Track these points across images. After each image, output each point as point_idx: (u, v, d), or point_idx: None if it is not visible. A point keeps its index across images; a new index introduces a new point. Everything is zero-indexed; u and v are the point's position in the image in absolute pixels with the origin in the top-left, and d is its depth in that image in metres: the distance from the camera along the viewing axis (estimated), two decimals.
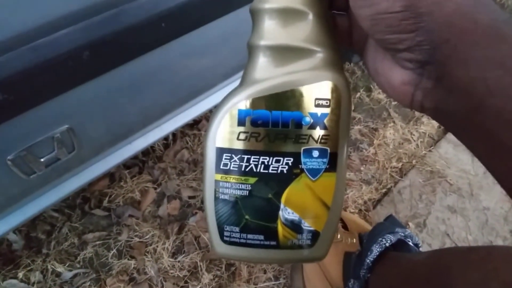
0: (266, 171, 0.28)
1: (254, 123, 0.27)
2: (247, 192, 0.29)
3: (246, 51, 0.29)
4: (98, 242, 0.82)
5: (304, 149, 0.28)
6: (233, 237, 0.30)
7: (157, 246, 0.81)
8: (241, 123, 0.27)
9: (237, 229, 0.29)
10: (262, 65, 0.27)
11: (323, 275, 0.69)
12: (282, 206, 0.29)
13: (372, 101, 1.08)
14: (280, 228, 0.29)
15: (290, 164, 0.28)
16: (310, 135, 0.28)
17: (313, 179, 0.29)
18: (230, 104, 0.27)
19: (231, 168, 0.28)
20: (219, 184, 0.29)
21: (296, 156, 0.28)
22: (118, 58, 0.48)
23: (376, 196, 0.90)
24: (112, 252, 0.80)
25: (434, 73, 0.22)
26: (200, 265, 0.79)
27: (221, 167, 0.28)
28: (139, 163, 0.93)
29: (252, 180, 0.28)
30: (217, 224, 0.30)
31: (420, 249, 0.64)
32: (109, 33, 0.44)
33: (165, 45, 0.52)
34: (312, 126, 0.28)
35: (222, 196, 0.29)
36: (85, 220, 0.85)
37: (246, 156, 0.28)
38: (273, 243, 0.30)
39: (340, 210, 0.30)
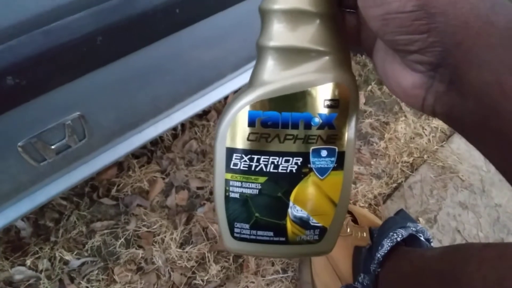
0: (276, 171, 0.29)
1: (264, 124, 0.28)
2: (257, 191, 0.29)
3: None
4: (106, 231, 0.82)
5: (313, 149, 0.28)
6: (243, 234, 0.31)
7: (165, 236, 0.81)
8: (251, 124, 0.28)
9: (247, 226, 0.30)
10: (271, 67, 0.27)
11: (332, 269, 0.68)
12: (291, 204, 0.30)
13: (383, 94, 1.07)
14: (289, 225, 0.30)
15: (299, 163, 0.29)
16: (319, 135, 0.28)
17: (321, 178, 0.29)
18: (239, 105, 0.28)
19: (241, 168, 0.29)
20: (229, 183, 0.29)
21: (305, 156, 0.28)
22: (131, 44, 0.48)
23: (386, 191, 0.89)
24: (120, 241, 0.81)
25: (447, 77, 0.21)
26: (208, 256, 0.79)
27: (231, 166, 0.29)
28: (147, 152, 0.93)
29: (262, 179, 0.29)
30: (227, 221, 0.30)
31: (431, 244, 0.64)
32: (123, 18, 0.43)
33: (178, 32, 0.51)
34: (321, 127, 0.28)
35: (232, 195, 0.30)
36: (93, 209, 0.85)
37: (256, 156, 0.28)
38: (282, 239, 0.31)
39: (346, 206, 0.31)
